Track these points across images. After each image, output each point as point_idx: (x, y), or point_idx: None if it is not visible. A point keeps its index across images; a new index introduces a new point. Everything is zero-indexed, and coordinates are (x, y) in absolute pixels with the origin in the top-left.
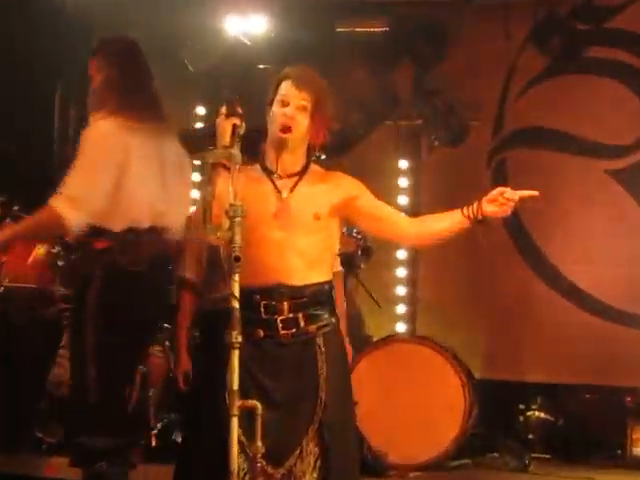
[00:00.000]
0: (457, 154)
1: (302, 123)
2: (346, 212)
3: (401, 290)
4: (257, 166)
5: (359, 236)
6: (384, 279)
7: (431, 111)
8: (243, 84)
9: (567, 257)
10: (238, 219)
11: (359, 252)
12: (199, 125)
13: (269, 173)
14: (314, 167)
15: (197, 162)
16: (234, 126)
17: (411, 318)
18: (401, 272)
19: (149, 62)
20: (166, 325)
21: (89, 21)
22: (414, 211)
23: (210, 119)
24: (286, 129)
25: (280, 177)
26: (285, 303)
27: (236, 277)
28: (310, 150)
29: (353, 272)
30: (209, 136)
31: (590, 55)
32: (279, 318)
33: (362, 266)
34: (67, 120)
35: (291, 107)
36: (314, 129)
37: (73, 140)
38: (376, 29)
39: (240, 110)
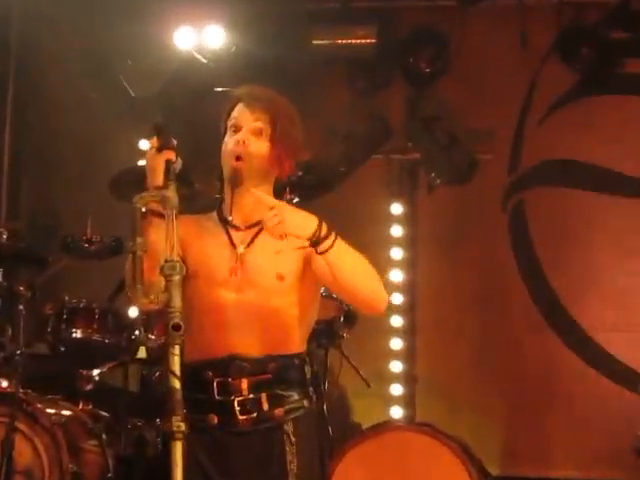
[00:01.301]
0: (464, 195)
1: (258, 149)
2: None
3: (396, 365)
4: (214, 214)
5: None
6: (374, 352)
7: (431, 142)
8: (197, 111)
9: (600, 321)
10: (176, 278)
11: (341, 318)
12: (142, 162)
13: (224, 222)
14: None
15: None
16: (167, 162)
17: (408, 400)
18: (396, 343)
19: (82, 85)
20: (103, 413)
21: (5, 34)
22: (410, 267)
23: None
24: (238, 158)
25: (237, 228)
26: (244, 380)
27: (176, 349)
28: (277, 190)
29: (334, 343)
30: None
31: (626, 71)
32: (236, 399)
33: (345, 335)
34: None
35: (243, 131)
36: (276, 158)
37: None
38: (362, 41)
39: (174, 142)
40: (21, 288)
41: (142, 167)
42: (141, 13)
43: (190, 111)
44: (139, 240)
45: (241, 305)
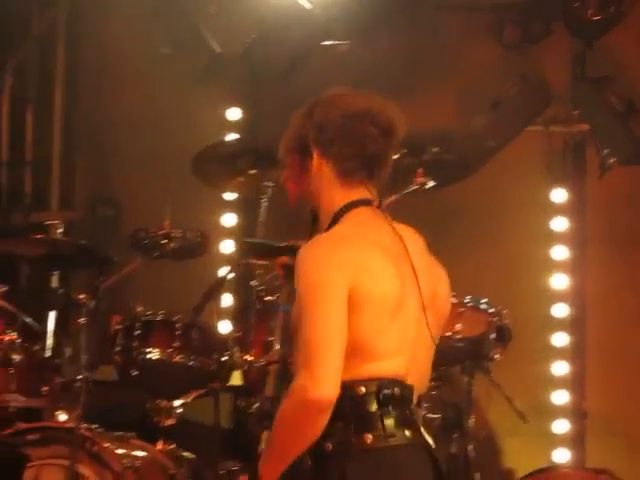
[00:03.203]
0: None
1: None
2: None
3: (560, 396)
4: None
5: (491, 310)
6: (532, 378)
7: (603, 109)
8: (298, 71)
9: None
10: None
11: (491, 335)
12: (231, 136)
13: None
14: None
15: None
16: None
17: (576, 440)
18: (559, 367)
19: (151, 39)
20: (188, 455)
21: None
22: (577, 270)
23: (248, 125)
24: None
25: None
26: None
27: None
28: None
29: (482, 367)
30: None
31: None
32: None
33: (496, 357)
34: (21, 134)
35: None
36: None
37: (33, 165)
38: None
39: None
40: (82, 296)
41: (231, 143)
42: None
43: (290, 71)
44: None
45: None
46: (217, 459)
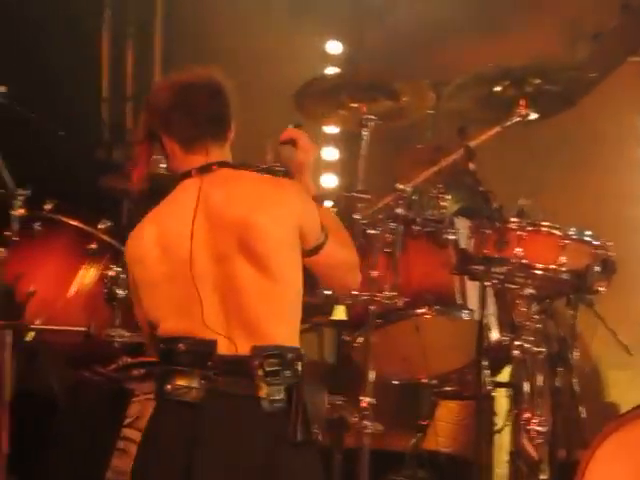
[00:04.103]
0: None
1: None
2: None
3: None
4: None
5: (596, 243)
6: (635, 311)
7: None
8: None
9: None
10: None
11: (596, 267)
12: (331, 70)
13: None
14: None
15: None
16: None
17: None
18: None
19: None
20: None
21: None
22: None
23: (348, 58)
24: None
25: None
26: None
27: None
28: None
29: (586, 300)
30: None
31: None
32: None
33: (601, 289)
34: (121, 70)
35: None
36: None
37: (134, 100)
38: None
39: None
40: None
41: (332, 76)
42: None
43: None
44: None
45: None
46: (321, 393)
